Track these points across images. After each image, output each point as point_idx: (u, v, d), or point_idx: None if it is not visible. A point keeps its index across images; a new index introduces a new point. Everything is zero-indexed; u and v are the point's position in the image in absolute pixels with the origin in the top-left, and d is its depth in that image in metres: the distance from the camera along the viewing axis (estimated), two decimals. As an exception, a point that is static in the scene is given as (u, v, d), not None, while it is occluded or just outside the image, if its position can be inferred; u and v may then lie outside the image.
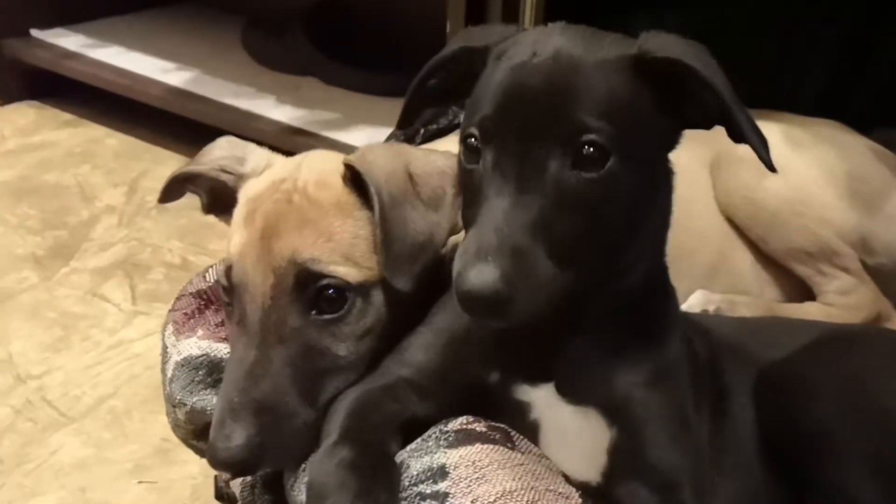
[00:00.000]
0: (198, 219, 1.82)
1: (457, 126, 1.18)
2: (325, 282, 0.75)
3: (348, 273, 0.76)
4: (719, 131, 0.74)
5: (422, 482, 0.65)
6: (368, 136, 1.77)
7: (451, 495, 0.64)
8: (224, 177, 0.85)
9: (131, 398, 1.34)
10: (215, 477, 0.97)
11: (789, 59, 1.30)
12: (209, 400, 0.83)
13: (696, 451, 0.74)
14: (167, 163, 2.00)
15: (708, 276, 1.04)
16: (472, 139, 0.66)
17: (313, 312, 0.75)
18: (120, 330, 1.48)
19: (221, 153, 0.87)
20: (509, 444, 0.70)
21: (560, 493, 0.67)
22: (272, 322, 0.74)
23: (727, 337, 0.88)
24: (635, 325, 0.74)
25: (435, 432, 0.71)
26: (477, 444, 0.68)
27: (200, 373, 0.84)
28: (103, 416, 1.30)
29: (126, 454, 1.24)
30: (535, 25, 1.37)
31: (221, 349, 0.85)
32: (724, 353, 0.85)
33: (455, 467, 0.66)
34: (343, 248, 0.76)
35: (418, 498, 0.64)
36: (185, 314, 0.89)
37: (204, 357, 0.85)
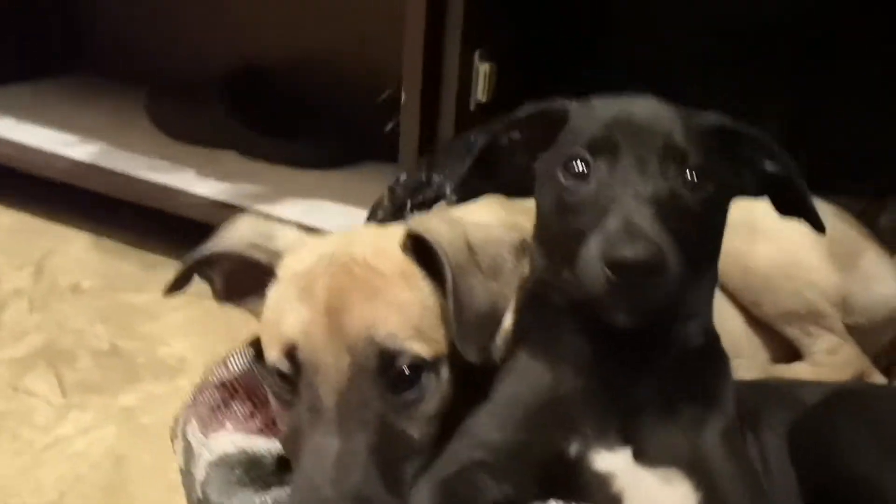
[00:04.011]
0: (119, 300, 1.72)
1: (441, 197, 1.17)
2: (404, 360, 0.72)
3: (423, 349, 0.73)
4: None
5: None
6: (302, 210, 1.74)
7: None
8: (257, 255, 0.80)
9: (80, 503, 1.21)
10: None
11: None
12: (250, 499, 0.77)
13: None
14: (74, 241, 1.87)
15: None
16: (577, 160, 0.72)
17: (395, 393, 0.71)
18: (54, 427, 1.34)
19: (247, 231, 0.82)
20: (609, 526, 0.68)
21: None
22: (352, 406, 0.70)
23: (749, 397, 0.90)
24: (699, 383, 0.76)
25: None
26: (582, 528, 0.66)
27: (237, 471, 0.78)
28: (52, 526, 1.17)
29: (87, 564, 1.12)
30: (488, 90, 1.41)
31: (258, 444, 0.79)
32: (758, 413, 0.87)
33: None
34: (414, 321, 0.73)
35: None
36: (211, 408, 0.82)
37: (241, 454, 0.78)
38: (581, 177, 0.71)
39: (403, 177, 1.15)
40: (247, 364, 0.85)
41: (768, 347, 1.12)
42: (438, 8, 1.35)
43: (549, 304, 0.76)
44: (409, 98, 1.42)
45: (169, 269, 1.82)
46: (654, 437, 0.72)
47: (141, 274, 1.79)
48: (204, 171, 1.87)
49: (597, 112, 0.75)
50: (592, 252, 0.66)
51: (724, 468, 0.72)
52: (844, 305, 1.10)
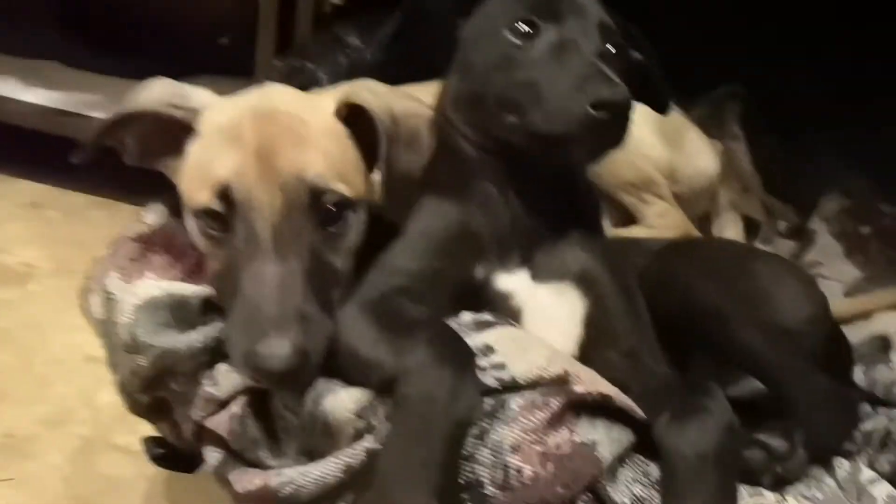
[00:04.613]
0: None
1: (314, 84, 1.22)
2: (330, 197, 0.78)
3: (346, 190, 0.80)
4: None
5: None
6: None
7: (507, 363, 0.72)
8: (174, 112, 0.83)
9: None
10: (148, 440, 0.92)
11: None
12: (179, 339, 0.80)
13: (643, 320, 0.89)
14: None
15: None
16: (524, 22, 0.82)
17: (322, 227, 0.78)
18: None
19: (163, 91, 0.85)
20: (518, 327, 0.79)
21: (568, 358, 0.77)
22: (286, 237, 0.76)
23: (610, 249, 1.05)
24: (584, 214, 0.89)
25: (453, 325, 0.77)
26: (498, 327, 0.77)
27: (163, 313, 0.81)
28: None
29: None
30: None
31: (183, 288, 0.83)
32: (619, 261, 1.01)
33: (496, 343, 0.74)
34: (338, 166, 0.80)
35: (478, 369, 0.71)
36: (130, 259, 0.85)
37: (167, 297, 0.82)
38: (528, 37, 0.81)
39: (279, 64, 1.20)
40: (162, 218, 0.88)
41: (608, 214, 1.27)
42: None
43: (459, 155, 0.86)
44: (266, 3, 1.44)
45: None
46: (548, 258, 0.84)
47: (-32, 185, 1.71)
48: (28, 80, 1.79)
49: None
50: (570, 94, 0.76)
51: (605, 279, 0.86)
52: (672, 176, 1.27)
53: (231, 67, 1.92)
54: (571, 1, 0.84)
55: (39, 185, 1.74)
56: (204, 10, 2.00)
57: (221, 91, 1.95)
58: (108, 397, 1.02)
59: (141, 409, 0.87)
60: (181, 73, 1.99)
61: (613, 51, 0.83)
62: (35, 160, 1.73)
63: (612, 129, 0.77)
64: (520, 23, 0.82)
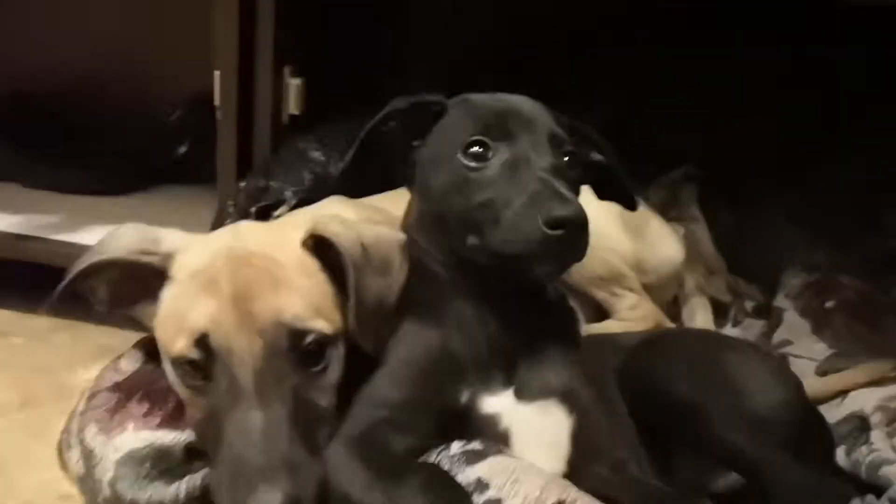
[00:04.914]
0: None
1: (281, 202, 1.22)
2: (310, 337, 0.78)
3: (325, 326, 0.80)
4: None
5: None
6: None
7: (503, 499, 0.71)
8: (146, 259, 0.83)
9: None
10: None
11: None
12: (163, 491, 0.79)
13: (628, 431, 0.90)
14: None
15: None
16: (477, 144, 0.83)
17: (304, 368, 0.78)
18: None
19: (134, 237, 0.85)
20: (508, 454, 0.79)
21: (562, 483, 0.77)
22: (268, 383, 0.75)
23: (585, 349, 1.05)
24: (559, 329, 0.90)
25: (442, 458, 0.77)
26: (489, 458, 0.77)
27: (146, 465, 0.80)
28: None
29: None
30: (300, 104, 1.48)
31: (164, 437, 0.81)
32: (594, 361, 1.02)
33: (489, 476, 0.73)
34: (315, 303, 0.80)
35: (475, 509, 0.71)
36: (108, 410, 0.83)
37: (148, 448, 0.80)
38: (482, 158, 0.83)
39: (243, 185, 1.20)
40: (138, 364, 0.87)
41: (581, 310, 1.28)
42: (248, 27, 1.40)
43: (430, 276, 0.87)
44: (225, 118, 1.44)
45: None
46: (530, 376, 0.84)
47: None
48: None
49: (485, 105, 0.87)
50: (524, 214, 0.77)
51: (587, 394, 0.86)
52: (639, 267, 1.29)
53: (191, 176, 1.94)
54: (520, 116, 0.85)
55: (1, 311, 1.70)
56: (161, 120, 2.01)
57: (182, 199, 1.95)
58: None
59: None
60: (140, 183, 2.03)
61: (567, 161, 0.85)
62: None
63: (570, 244, 0.78)
64: (472, 144, 0.84)
